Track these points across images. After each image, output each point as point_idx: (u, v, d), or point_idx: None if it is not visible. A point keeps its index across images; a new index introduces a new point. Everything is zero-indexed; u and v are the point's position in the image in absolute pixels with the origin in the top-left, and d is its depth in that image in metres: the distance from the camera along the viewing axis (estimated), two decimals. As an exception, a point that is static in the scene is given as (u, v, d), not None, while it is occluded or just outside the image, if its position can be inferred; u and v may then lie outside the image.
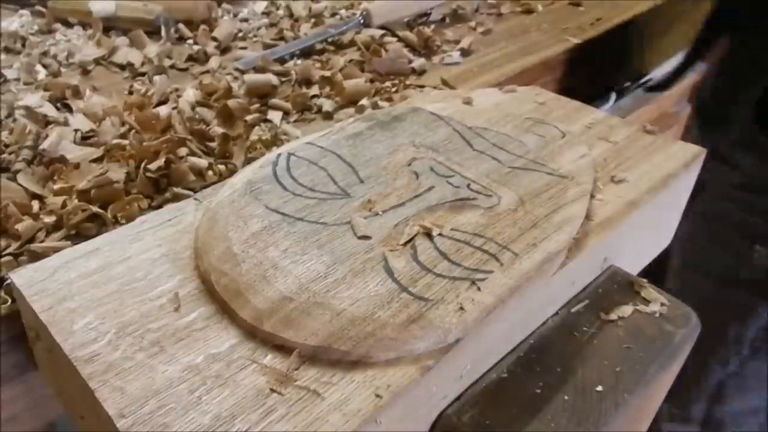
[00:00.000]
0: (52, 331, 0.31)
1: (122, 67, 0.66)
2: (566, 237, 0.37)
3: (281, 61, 0.67)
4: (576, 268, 0.38)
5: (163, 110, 0.55)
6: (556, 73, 0.72)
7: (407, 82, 0.64)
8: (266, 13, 0.81)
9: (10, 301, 0.37)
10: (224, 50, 0.71)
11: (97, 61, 0.67)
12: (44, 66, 0.65)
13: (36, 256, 0.39)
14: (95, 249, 0.36)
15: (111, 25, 0.73)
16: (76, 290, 0.33)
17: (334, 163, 0.42)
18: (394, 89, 0.62)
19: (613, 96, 1.07)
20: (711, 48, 0.78)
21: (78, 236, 0.42)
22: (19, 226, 0.41)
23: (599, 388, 0.35)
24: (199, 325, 0.32)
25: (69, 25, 0.75)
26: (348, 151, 0.43)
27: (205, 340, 0.31)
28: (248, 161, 0.50)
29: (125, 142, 0.50)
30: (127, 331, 0.31)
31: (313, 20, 0.77)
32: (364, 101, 0.59)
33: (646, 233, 0.46)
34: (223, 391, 0.28)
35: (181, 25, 0.73)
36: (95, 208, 0.43)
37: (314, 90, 0.62)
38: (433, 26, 0.77)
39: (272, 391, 0.29)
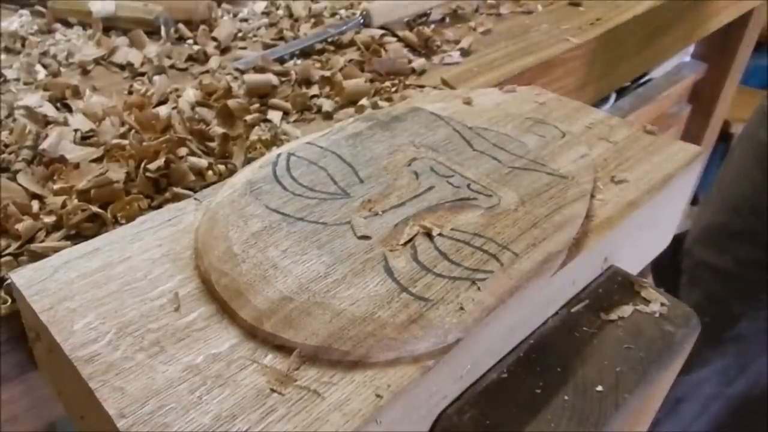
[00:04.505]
0: (52, 331, 0.31)
1: (122, 67, 0.66)
2: (566, 237, 0.37)
3: (281, 61, 0.67)
4: (576, 268, 0.38)
5: (163, 110, 0.55)
6: (556, 73, 0.72)
7: (407, 82, 0.64)
8: (266, 13, 0.81)
9: (10, 301, 0.37)
10: (224, 50, 0.71)
11: (96, 61, 0.67)
12: (44, 66, 0.65)
13: (36, 256, 0.39)
14: (95, 249, 0.36)
15: (111, 25, 0.73)
16: (76, 290, 0.33)
17: (334, 163, 0.42)
18: (394, 89, 0.62)
19: (613, 96, 1.07)
20: None
21: (78, 236, 0.42)
22: (19, 226, 0.41)
23: (599, 388, 0.35)
24: (200, 325, 0.32)
25: (69, 25, 0.75)
26: (348, 151, 0.43)
27: (205, 340, 0.31)
28: (248, 161, 0.49)
29: (125, 142, 0.50)
30: (128, 331, 0.31)
31: (312, 20, 0.77)
32: (363, 101, 0.59)
33: (647, 233, 0.46)
34: (223, 391, 0.28)
35: (180, 25, 0.73)
36: (95, 208, 0.43)
37: (314, 90, 0.62)
38: (433, 26, 0.77)
39: (272, 391, 0.29)
